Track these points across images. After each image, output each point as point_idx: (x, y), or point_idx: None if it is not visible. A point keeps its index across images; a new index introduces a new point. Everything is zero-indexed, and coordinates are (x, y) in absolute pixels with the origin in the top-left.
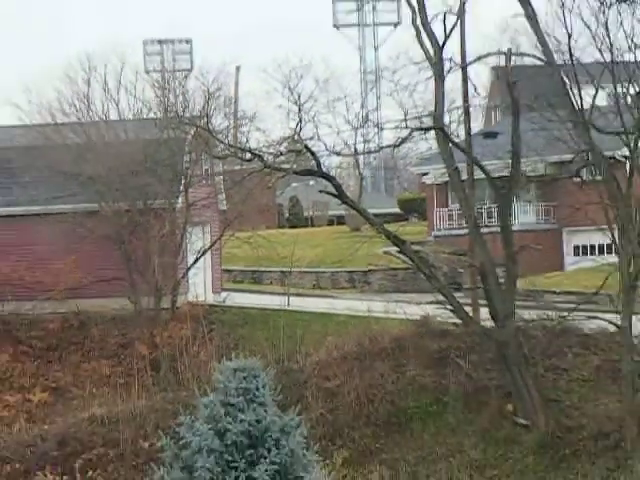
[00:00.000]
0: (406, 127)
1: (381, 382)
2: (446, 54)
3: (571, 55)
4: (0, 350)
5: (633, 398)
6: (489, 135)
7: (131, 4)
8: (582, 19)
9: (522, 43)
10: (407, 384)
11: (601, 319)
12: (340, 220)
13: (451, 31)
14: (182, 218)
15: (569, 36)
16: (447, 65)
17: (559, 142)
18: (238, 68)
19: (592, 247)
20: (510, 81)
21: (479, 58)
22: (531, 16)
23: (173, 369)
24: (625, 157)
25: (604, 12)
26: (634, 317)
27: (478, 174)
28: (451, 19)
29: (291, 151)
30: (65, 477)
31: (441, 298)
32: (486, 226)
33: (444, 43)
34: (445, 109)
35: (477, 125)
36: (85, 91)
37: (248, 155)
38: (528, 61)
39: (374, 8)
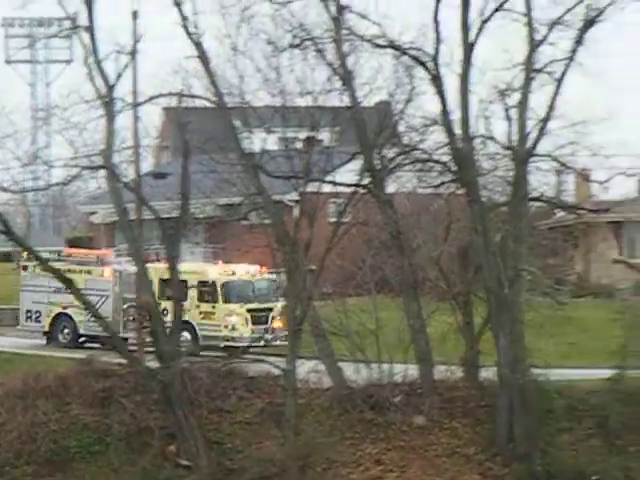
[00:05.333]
0: (76, 165)
1: (44, 420)
2: (118, 93)
3: (242, 98)
4: None
5: (295, 441)
6: (159, 176)
7: None
8: (254, 62)
9: (194, 85)
10: (70, 423)
11: (267, 362)
12: (6, 257)
13: (123, 71)
14: None
15: (241, 79)
16: (119, 104)
17: (229, 185)
18: None
19: None
20: (181, 122)
21: (151, 98)
22: (203, 58)
23: None
24: (294, 201)
25: (276, 56)
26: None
27: (147, 214)
28: (124, 59)
29: None
30: None
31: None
32: None
33: (115, 82)
34: (115, 148)
35: (147, 165)
36: None
37: None
38: (200, 103)
39: (47, 45)
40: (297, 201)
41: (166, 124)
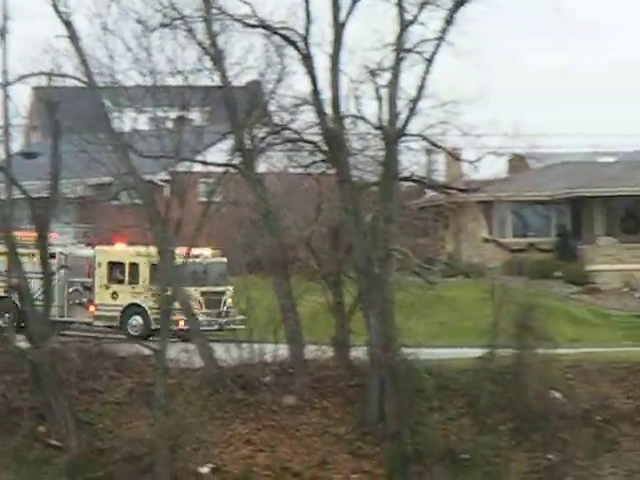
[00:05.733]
0: None
1: None
2: None
3: (113, 78)
4: None
5: (165, 421)
6: (29, 155)
7: None
8: (124, 42)
9: (65, 64)
10: None
11: (138, 343)
12: None
13: None
14: None
15: (111, 58)
16: None
17: (99, 164)
18: None
19: None
20: (51, 102)
21: (21, 78)
22: (73, 37)
23: None
24: (165, 181)
25: (146, 36)
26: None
27: (18, 194)
28: None
29: None
30: None
31: None
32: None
33: None
34: None
35: (17, 145)
36: None
37: None
38: (70, 83)
39: None
40: (168, 181)
41: (35, 104)
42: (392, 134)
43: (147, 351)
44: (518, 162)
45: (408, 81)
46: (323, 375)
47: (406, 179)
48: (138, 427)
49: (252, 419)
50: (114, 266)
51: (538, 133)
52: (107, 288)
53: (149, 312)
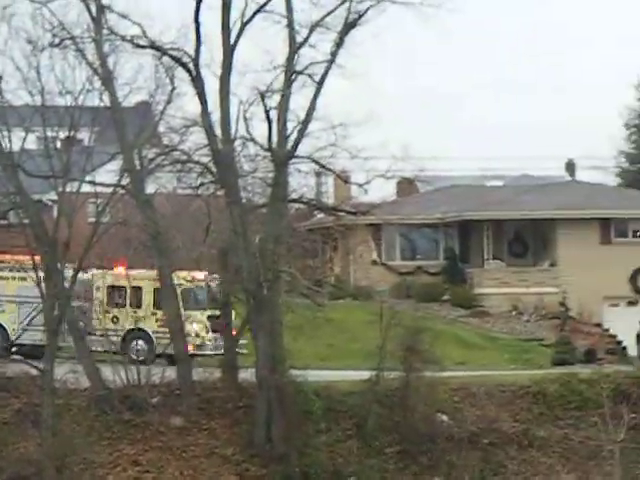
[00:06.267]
0: None
1: None
2: None
3: (1, 97)
4: None
5: (52, 442)
6: None
7: None
8: (14, 61)
9: None
10: None
11: (25, 362)
12: None
13: None
14: None
15: (0, 78)
16: None
17: None
18: None
19: None
20: None
21: None
22: None
23: None
24: (53, 201)
25: (36, 55)
26: None
27: None
28: None
29: None
30: None
31: None
32: None
33: None
34: None
35: None
36: None
37: None
38: None
39: None
40: (56, 201)
41: None
42: (281, 156)
43: (34, 371)
44: (407, 185)
45: (298, 103)
46: (211, 396)
47: (295, 201)
48: (26, 447)
49: (139, 440)
50: (114, 290)
51: (427, 156)
52: (107, 313)
53: (153, 336)
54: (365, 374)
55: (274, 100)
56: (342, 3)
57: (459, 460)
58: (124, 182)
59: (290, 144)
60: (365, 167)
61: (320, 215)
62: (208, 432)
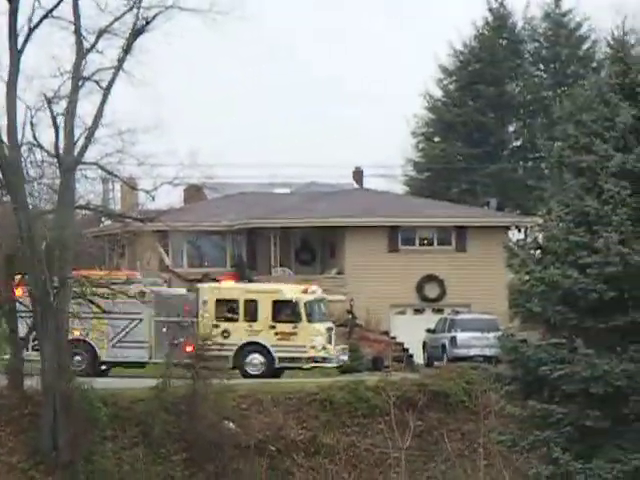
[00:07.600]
0: None
1: None
2: None
3: None
4: None
5: None
6: None
7: None
8: None
9: None
10: None
11: None
12: None
13: None
14: None
15: None
16: None
17: None
18: None
19: None
20: None
21: None
22: None
23: None
24: None
25: None
26: None
27: None
28: None
29: None
30: None
31: None
32: None
33: None
34: None
35: None
36: None
37: None
38: None
39: None
40: None
41: None
42: (68, 162)
43: None
44: (194, 192)
45: (86, 109)
46: None
47: (82, 207)
48: None
49: None
50: (224, 304)
51: (216, 163)
52: (216, 327)
53: (272, 350)
54: (153, 382)
55: (61, 106)
56: (130, 9)
57: (246, 467)
58: None
59: (77, 150)
60: (153, 174)
61: (107, 222)
62: None
